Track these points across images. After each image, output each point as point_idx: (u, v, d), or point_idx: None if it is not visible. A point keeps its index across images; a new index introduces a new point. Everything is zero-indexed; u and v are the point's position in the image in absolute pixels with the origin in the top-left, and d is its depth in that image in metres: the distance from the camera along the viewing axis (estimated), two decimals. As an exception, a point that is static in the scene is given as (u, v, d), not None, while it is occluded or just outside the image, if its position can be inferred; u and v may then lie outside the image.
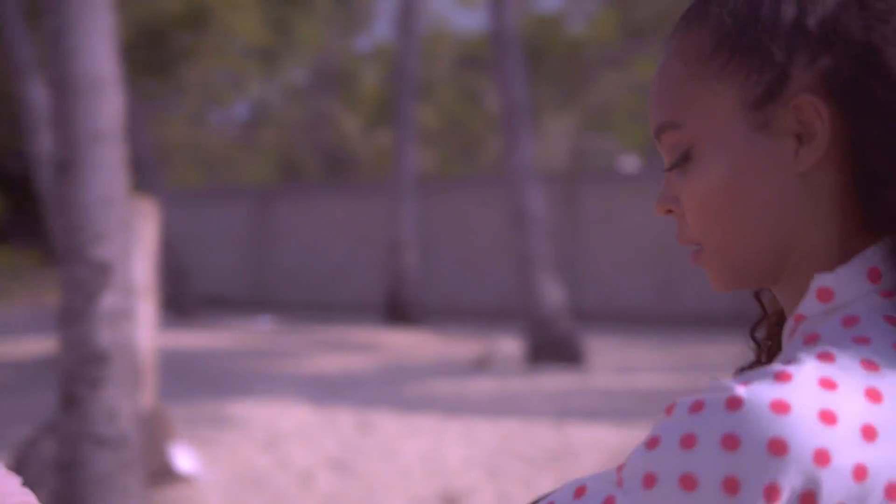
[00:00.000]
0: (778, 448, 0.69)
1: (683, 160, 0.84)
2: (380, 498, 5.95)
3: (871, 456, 0.71)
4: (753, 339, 0.99)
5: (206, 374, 10.59)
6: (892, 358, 0.75)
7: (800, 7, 0.79)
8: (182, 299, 16.46)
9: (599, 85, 30.35)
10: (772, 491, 0.69)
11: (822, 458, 0.69)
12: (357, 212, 18.52)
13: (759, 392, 0.71)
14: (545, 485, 6.19)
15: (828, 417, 0.70)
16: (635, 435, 7.33)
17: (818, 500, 0.70)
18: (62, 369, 4.56)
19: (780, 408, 0.70)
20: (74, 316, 4.50)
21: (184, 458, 6.54)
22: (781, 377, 0.72)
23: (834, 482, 0.70)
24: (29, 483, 6.16)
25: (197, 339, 13.54)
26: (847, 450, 0.70)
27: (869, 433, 0.71)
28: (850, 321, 0.78)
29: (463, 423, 7.99)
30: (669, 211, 0.90)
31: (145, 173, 15.50)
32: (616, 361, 11.37)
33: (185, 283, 16.73)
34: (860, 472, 0.70)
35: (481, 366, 11.24)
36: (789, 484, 0.69)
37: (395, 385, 9.92)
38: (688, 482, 0.70)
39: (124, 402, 4.55)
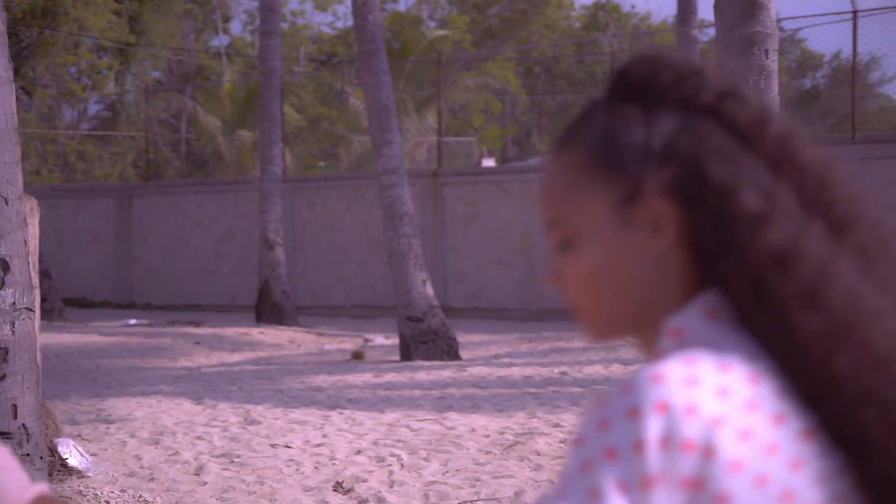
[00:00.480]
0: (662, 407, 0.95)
1: (567, 248, 1.11)
2: (273, 488, 6.10)
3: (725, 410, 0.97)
4: None
5: (79, 372, 10.47)
6: (728, 362, 1.01)
7: (646, 132, 1.08)
8: (44, 299, 16.09)
9: (457, 86, 30.86)
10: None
11: (691, 410, 0.95)
12: (223, 210, 18.43)
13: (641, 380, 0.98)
14: (432, 470, 6.45)
15: (692, 382, 0.97)
16: (513, 421, 7.67)
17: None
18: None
19: (657, 378, 0.97)
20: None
21: (73, 453, 6.55)
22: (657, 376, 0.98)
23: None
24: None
25: (64, 338, 13.31)
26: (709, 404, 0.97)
27: (723, 394, 0.97)
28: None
29: (346, 414, 8.19)
30: (554, 283, 1.17)
31: None
32: (487, 354, 11.74)
33: (46, 282, 16.35)
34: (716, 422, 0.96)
35: (358, 360, 11.46)
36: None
37: (274, 380, 10.03)
38: (610, 453, 0.94)
39: (27, 396, 4.60)
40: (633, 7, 55.09)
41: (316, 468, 6.59)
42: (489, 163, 24.45)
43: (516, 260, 15.97)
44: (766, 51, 4.91)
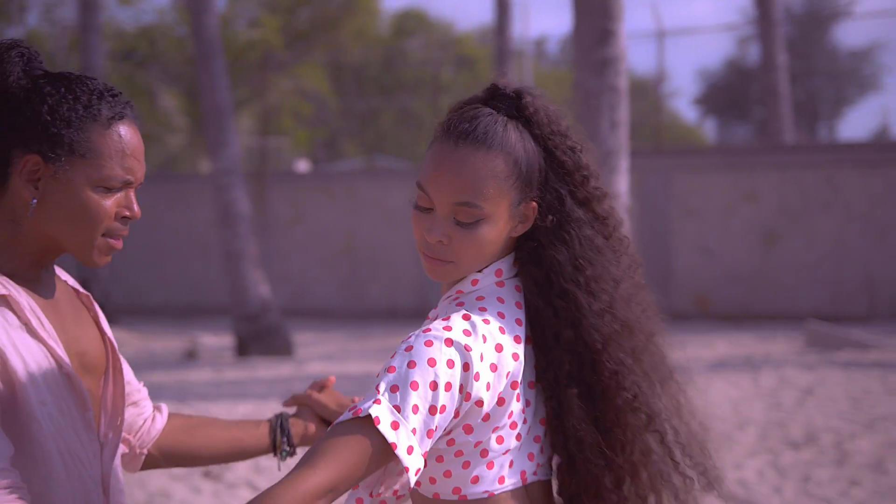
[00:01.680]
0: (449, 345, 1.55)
1: (472, 225, 1.67)
2: (140, 477, 6.29)
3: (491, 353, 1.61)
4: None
5: None
6: (496, 314, 1.64)
7: (541, 169, 1.73)
8: None
9: (270, 89, 30.84)
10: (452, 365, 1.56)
11: (468, 348, 1.57)
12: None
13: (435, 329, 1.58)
14: (296, 458, 6.79)
15: (468, 333, 1.57)
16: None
17: (472, 369, 1.56)
18: None
19: (447, 330, 1.58)
20: None
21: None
22: (446, 327, 1.59)
23: (477, 362, 1.57)
24: None
25: None
26: (481, 348, 1.58)
27: (496, 345, 1.61)
28: (479, 298, 1.69)
29: (197, 407, 8.40)
30: (441, 242, 1.70)
31: None
32: (321, 352, 12.09)
33: None
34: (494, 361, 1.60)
35: (191, 358, 11.58)
36: (459, 362, 1.55)
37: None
38: (412, 364, 1.53)
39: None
40: (439, 15, 56.25)
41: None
42: (303, 166, 24.69)
43: (340, 261, 16.35)
44: (618, 71, 5.56)
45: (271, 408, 8.37)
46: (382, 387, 1.54)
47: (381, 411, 1.51)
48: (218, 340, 13.03)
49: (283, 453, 2.08)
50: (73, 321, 1.78)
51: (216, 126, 11.76)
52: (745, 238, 14.59)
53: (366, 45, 40.35)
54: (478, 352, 1.59)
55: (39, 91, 1.67)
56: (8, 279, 1.68)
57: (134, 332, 14.34)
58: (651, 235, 14.37)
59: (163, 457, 2.05)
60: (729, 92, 40.76)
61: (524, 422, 1.66)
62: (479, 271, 1.71)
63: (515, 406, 1.64)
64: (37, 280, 1.73)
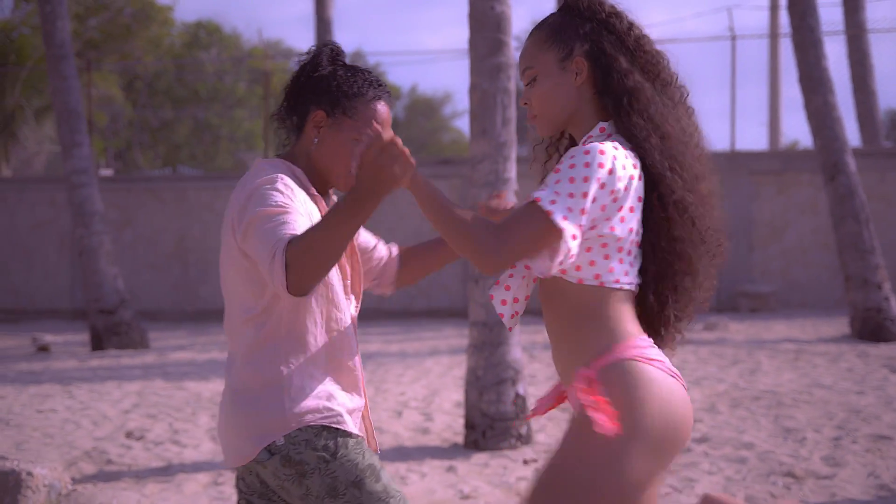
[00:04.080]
0: (603, 153, 2.18)
1: (533, 81, 2.41)
2: (66, 440, 6.77)
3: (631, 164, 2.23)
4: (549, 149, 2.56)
5: None
6: (622, 146, 2.23)
7: (577, 26, 2.35)
8: None
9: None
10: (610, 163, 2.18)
11: (613, 157, 2.17)
12: None
13: (591, 145, 2.20)
14: (204, 420, 7.41)
15: (615, 148, 2.24)
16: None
17: (615, 173, 2.16)
18: None
19: (601, 144, 2.19)
20: None
21: None
22: (598, 145, 2.19)
23: (619, 168, 2.17)
24: None
25: None
26: (621, 160, 2.19)
27: (630, 163, 2.22)
28: (608, 137, 2.26)
29: (86, 388, 8.81)
30: (526, 104, 2.44)
31: None
32: (174, 344, 12.49)
33: None
34: (634, 167, 2.24)
35: (45, 351, 11.76)
36: (608, 165, 2.16)
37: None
38: (587, 165, 2.18)
39: None
40: (234, 29, 56.10)
41: (95, 424, 7.31)
42: (108, 173, 24.48)
43: (171, 264, 16.62)
44: (509, 76, 6.53)
45: (156, 387, 8.90)
46: (552, 184, 2.13)
47: (551, 200, 2.10)
48: (61, 339, 13.18)
49: None
50: None
51: (68, 127, 12.01)
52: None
53: (159, 56, 39.86)
54: (620, 161, 2.17)
55: (335, 73, 2.54)
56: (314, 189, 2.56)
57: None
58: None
59: (403, 283, 2.89)
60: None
61: (638, 230, 2.25)
62: (589, 134, 2.31)
63: (635, 213, 2.23)
64: (325, 194, 2.60)
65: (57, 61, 12.05)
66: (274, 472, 2.43)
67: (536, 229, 2.08)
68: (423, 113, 51.02)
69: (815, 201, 15.05)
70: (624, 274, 2.22)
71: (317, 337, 2.48)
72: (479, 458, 6.16)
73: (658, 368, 2.15)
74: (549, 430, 6.81)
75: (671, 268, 2.26)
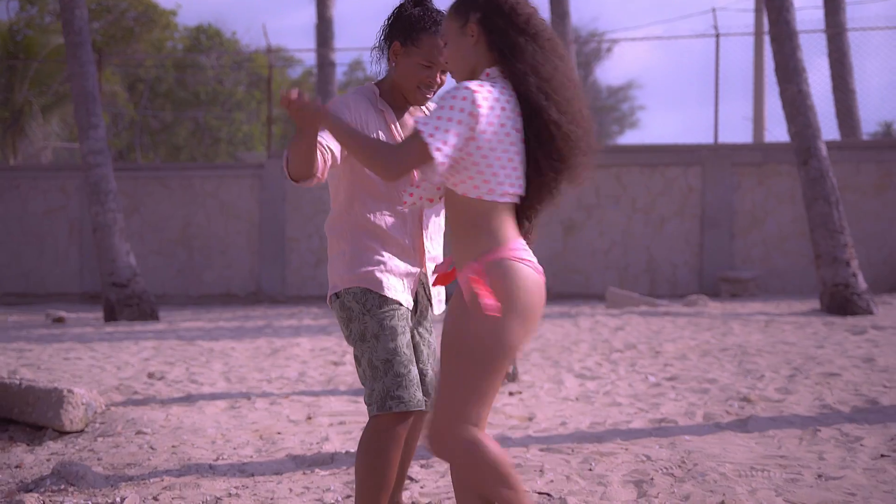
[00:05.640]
0: (467, 88, 2.81)
1: (445, 45, 3.13)
2: (92, 379, 7.44)
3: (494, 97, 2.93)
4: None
5: None
6: (493, 86, 2.85)
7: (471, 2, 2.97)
8: None
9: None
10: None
11: (475, 93, 2.80)
12: None
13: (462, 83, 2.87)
14: (218, 366, 8.08)
15: (480, 86, 2.81)
16: (258, 343, 9.43)
17: (481, 106, 2.79)
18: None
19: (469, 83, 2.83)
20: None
21: None
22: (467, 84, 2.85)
23: (485, 102, 2.81)
24: None
25: None
26: (486, 96, 2.82)
27: (494, 97, 2.92)
28: (488, 79, 2.90)
29: (106, 344, 9.48)
30: (445, 62, 3.29)
31: None
32: (181, 318, 13.16)
33: None
34: (501, 101, 2.94)
35: (60, 323, 12.42)
36: (470, 100, 2.79)
37: (6, 333, 10.88)
38: (455, 97, 2.83)
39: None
40: (234, 33, 56.71)
41: (118, 368, 7.98)
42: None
43: (176, 250, 17.29)
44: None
45: (171, 345, 9.55)
46: (432, 114, 2.78)
47: (427, 127, 2.75)
48: (74, 315, 13.82)
49: None
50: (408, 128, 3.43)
51: (85, 109, 12.69)
52: (547, 228, 16.62)
53: (161, 59, 40.48)
54: (482, 95, 2.77)
55: (410, 13, 3.33)
56: (387, 104, 3.39)
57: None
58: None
59: None
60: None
61: (514, 149, 2.84)
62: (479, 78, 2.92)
63: (508, 137, 2.82)
64: (403, 108, 3.41)
65: (75, 48, 12.73)
66: (337, 311, 3.40)
67: (417, 150, 2.79)
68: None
69: (793, 192, 15.74)
70: (499, 187, 2.85)
71: (370, 220, 3.35)
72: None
73: (526, 265, 2.85)
74: (532, 373, 7.49)
75: (549, 176, 2.94)
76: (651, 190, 16.50)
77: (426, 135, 2.76)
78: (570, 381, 7.14)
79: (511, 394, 6.67)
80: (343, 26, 78.86)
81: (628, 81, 45.20)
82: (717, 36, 16.92)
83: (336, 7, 20.64)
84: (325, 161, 3.19)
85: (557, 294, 16.21)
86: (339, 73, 45.50)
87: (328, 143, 3.20)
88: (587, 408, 6.14)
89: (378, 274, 3.32)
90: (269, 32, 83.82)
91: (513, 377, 7.14)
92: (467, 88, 2.79)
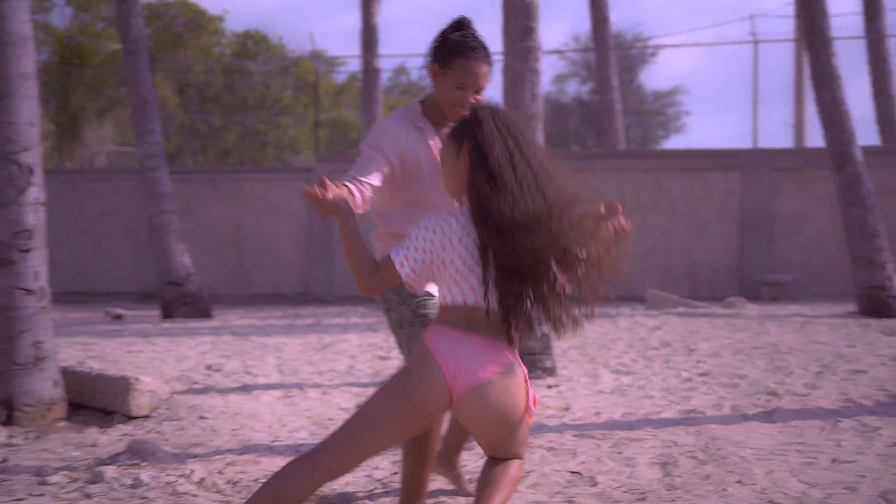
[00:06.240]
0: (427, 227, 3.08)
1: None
2: (156, 370, 7.89)
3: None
4: None
5: None
6: (445, 216, 3.13)
7: (465, 133, 3.14)
8: None
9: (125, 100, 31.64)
10: None
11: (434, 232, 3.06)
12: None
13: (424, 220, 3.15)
14: (272, 360, 8.51)
15: (435, 223, 3.09)
16: (308, 339, 9.86)
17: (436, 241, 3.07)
18: (-6, 241, 6.13)
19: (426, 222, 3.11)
20: (7, 203, 6.14)
21: None
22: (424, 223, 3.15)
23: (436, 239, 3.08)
24: None
25: None
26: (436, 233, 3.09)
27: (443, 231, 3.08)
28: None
29: (166, 338, 9.95)
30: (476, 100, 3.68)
31: None
32: (234, 316, 13.64)
33: None
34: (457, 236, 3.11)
35: (119, 319, 12.94)
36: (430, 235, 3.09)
37: (66, 328, 11.41)
38: (411, 243, 3.08)
39: (42, 266, 6.26)
40: (280, 39, 57.48)
41: (178, 360, 8.44)
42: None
43: (228, 250, 17.84)
44: (537, 57, 7.59)
45: (226, 340, 10.00)
46: (406, 243, 3.05)
47: (399, 255, 3.04)
48: (132, 313, 14.34)
49: None
50: None
51: (141, 115, 13.22)
52: (589, 230, 16.92)
53: (209, 64, 41.15)
54: (441, 232, 3.02)
55: (449, 37, 3.66)
56: (428, 121, 3.76)
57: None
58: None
59: None
60: (544, 126, 43.87)
61: (466, 269, 3.02)
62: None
63: (457, 261, 3.02)
64: (442, 125, 3.75)
65: (132, 56, 13.26)
66: (379, 302, 3.84)
67: (390, 272, 3.08)
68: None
69: (833, 196, 15.89)
70: (454, 297, 3.07)
71: (405, 224, 3.73)
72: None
73: (429, 348, 3.03)
74: (570, 368, 7.85)
75: (511, 286, 3.06)
76: (691, 194, 16.75)
77: (396, 260, 3.06)
78: (605, 375, 7.48)
79: (549, 387, 7.03)
80: (389, 31, 79.56)
81: (674, 86, 45.36)
82: (756, 43, 17.17)
83: (381, 12, 21.06)
84: (363, 196, 3.54)
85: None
86: (384, 78, 46.03)
87: (366, 179, 3.57)
88: (621, 400, 6.48)
89: None
90: (315, 37, 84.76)
91: (551, 372, 7.49)
92: (426, 227, 3.07)
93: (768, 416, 5.78)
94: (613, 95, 20.34)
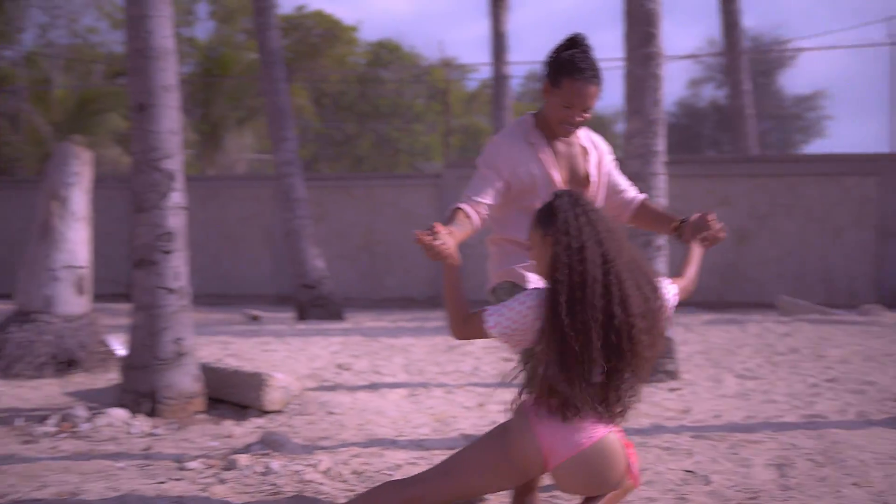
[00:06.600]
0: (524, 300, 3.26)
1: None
2: (289, 367, 8.21)
3: None
4: None
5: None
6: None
7: (549, 223, 3.26)
8: None
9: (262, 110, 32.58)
10: None
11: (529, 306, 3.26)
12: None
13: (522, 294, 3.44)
14: (399, 360, 8.75)
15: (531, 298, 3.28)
16: (434, 340, 10.07)
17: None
18: (138, 244, 6.53)
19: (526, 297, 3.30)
20: (150, 207, 6.52)
21: (117, 344, 8.44)
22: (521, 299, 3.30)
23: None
24: (9, 353, 7.83)
25: None
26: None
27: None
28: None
29: (299, 338, 10.31)
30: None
31: None
32: (365, 318, 13.98)
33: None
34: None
35: (256, 321, 13.43)
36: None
37: (205, 328, 11.91)
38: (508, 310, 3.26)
39: (182, 267, 6.62)
40: (413, 47, 58.27)
41: (310, 360, 8.75)
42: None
43: (360, 255, 18.28)
44: (658, 63, 7.63)
45: (356, 341, 10.30)
46: (501, 306, 3.22)
47: (492, 316, 3.21)
48: (268, 315, 14.84)
49: (680, 234, 3.90)
50: (569, 158, 3.91)
51: (277, 124, 13.70)
52: (719, 236, 16.73)
53: (344, 74, 42.02)
54: (531, 311, 3.16)
55: (560, 57, 3.76)
56: (540, 134, 3.87)
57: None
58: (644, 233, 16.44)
59: (631, 224, 4.10)
60: (679, 131, 43.31)
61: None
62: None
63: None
64: (554, 138, 3.88)
65: (269, 67, 13.76)
66: (493, 303, 3.88)
67: (480, 328, 3.25)
68: (598, 127, 51.94)
69: (978, 200, 15.37)
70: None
71: (517, 231, 3.84)
72: (631, 386, 7.26)
73: (528, 416, 3.21)
74: (693, 372, 7.84)
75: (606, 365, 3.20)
76: (827, 199, 16.38)
77: (489, 320, 3.23)
78: (729, 380, 7.46)
79: (671, 390, 7.05)
80: (518, 38, 79.68)
81: (815, 91, 44.20)
82: (893, 45, 16.67)
83: (511, 19, 21.22)
84: (479, 215, 3.70)
85: (729, 303, 16.31)
86: (515, 84, 46.21)
87: (480, 199, 3.71)
88: (743, 403, 6.47)
89: (521, 270, 3.82)
90: (447, 45, 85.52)
91: (673, 375, 7.51)
92: (532, 297, 3.22)
93: (894, 423, 5.70)
94: (745, 100, 20.03)
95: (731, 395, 6.81)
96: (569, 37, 3.82)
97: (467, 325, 3.28)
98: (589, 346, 3.07)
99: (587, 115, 3.78)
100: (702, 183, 16.88)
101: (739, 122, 20.32)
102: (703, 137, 41.25)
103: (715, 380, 7.47)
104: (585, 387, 3.10)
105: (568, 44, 3.79)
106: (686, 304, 16.43)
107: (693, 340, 9.93)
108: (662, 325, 3.23)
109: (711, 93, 43.46)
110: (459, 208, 3.67)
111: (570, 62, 3.72)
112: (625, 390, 3.15)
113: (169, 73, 6.66)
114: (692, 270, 3.72)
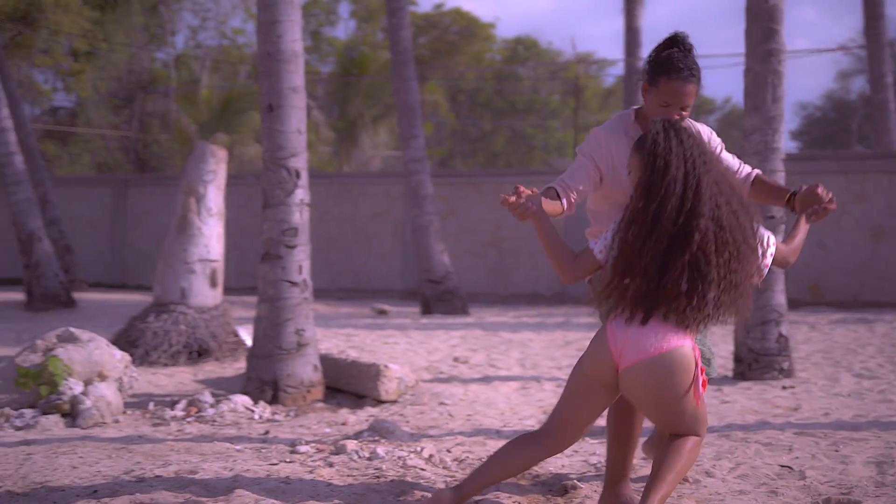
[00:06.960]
0: None
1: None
2: (408, 360, 8.47)
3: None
4: None
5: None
6: None
7: (643, 147, 3.49)
8: (66, 270, 17.80)
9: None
10: None
11: None
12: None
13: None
14: (516, 354, 8.92)
15: None
16: (553, 335, 10.21)
17: None
18: (265, 238, 6.88)
19: None
20: (277, 203, 6.86)
21: (246, 335, 8.86)
22: None
23: None
24: (146, 342, 8.32)
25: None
26: None
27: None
28: None
29: (420, 332, 10.59)
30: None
31: None
32: (488, 313, 14.20)
33: (69, 257, 18.16)
34: None
35: (383, 314, 13.80)
36: None
37: (331, 321, 12.32)
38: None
39: (306, 261, 6.94)
40: (550, 43, 58.24)
41: (429, 353, 9.01)
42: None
43: (488, 251, 18.49)
44: (780, 59, 7.59)
45: (475, 335, 10.50)
46: (603, 238, 3.47)
47: (594, 244, 3.49)
48: (395, 309, 15.20)
49: (791, 206, 3.98)
50: None
51: (407, 121, 14.02)
52: (853, 234, 16.31)
53: (480, 71, 42.28)
54: None
55: (658, 56, 3.85)
56: (640, 129, 3.94)
57: (318, 303, 16.58)
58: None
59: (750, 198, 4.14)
60: (826, 125, 42.03)
61: None
62: None
63: None
64: None
65: (400, 66, 14.09)
66: (591, 293, 4.06)
67: (590, 259, 3.47)
68: (734, 124, 50.83)
69: None
70: None
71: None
72: (744, 384, 7.26)
73: (605, 329, 3.45)
74: (810, 371, 7.77)
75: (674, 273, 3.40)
76: (971, 196, 15.79)
77: (595, 248, 3.47)
78: (846, 379, 7.37)
79: (784, 387, 7.03)
80: (652, 34, 78.72)
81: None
82: None
83: (645, 15, 21.10)
84: (569, 200, 3.83)
85: (864, 302, 15.88)
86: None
87: (573, 184, 3.84)
88: (855, 402, 6.41)
89: None
90: (584, 41, 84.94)
91: (788, 373, 7.46)
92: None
93: None
94: (888, 93, 19.42)
95: (844, 395, 6.74)
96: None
97: (577, 263, 3.48)
98: (659, 248, 3.27)
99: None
100: (837, 179, 16.48)
101: (881, 117, 19.71)
102: (851, 132, 40.02)
103: (831, 378, 7.39)
104: (654, 289, 3.28)
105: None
106: (818, 303, 16.11)
107: (816, 339, 9.80)
108: (755, 257, 3.39)
109: (862, 85, 42.11)
110: (552, 187, 3.82)
111: (668, 61, 3.80)
112: (707, 306, 3.28)
113: (296, 76, 6.99)
114: (796, 241, 3.80)
